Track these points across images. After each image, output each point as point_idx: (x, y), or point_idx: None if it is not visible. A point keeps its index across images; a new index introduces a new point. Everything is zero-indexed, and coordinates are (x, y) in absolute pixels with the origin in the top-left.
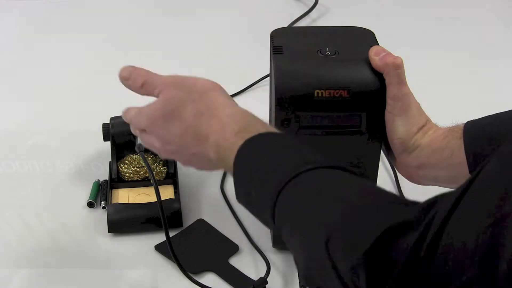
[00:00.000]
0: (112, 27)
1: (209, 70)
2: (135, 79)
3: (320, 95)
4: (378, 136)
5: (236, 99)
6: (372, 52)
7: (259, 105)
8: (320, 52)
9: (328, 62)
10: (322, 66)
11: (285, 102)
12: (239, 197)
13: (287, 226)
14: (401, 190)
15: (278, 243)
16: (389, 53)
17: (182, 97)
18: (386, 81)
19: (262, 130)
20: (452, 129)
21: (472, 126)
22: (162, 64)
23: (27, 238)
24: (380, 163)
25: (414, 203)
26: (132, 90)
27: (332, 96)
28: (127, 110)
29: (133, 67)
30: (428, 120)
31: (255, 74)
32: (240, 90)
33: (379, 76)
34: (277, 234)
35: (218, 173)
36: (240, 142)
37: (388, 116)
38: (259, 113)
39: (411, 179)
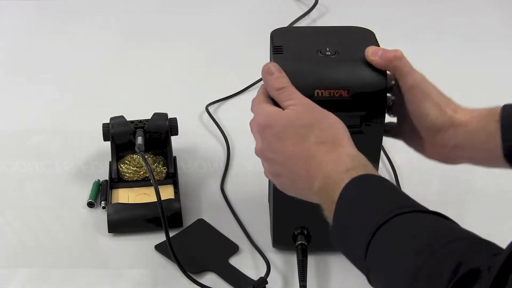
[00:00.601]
0: (112, 27)
1: (209, 70)
2: (277, 78)
3: (320, 95)
4: (378, 136)
5: (236, 99)
6: (369, 53)
7: None
8: (320, 52)
9: (328, 62)
10: (322, 66)
11: None
12: (334, 232)
13: (374, 270)
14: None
15: (278, 243)
16: (386, 50)
17: (314, 121)
18: (397, 75)
19: (370, 172)
20: (489, 111)
21: (510, 108)
22: (161, 64)
23: (27, 238)
24: (380, 163)
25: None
26: (267, 86)
27: (332, 96)
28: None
29: (281, 69)
30: (450, 98)
31: (255, 74)
32: (240, 90)
33: (379, 77)
34: (277, 233)
35: (218, 173)
36: (347, 179)
37: (411, 106)
38: None
39: (447, 160)
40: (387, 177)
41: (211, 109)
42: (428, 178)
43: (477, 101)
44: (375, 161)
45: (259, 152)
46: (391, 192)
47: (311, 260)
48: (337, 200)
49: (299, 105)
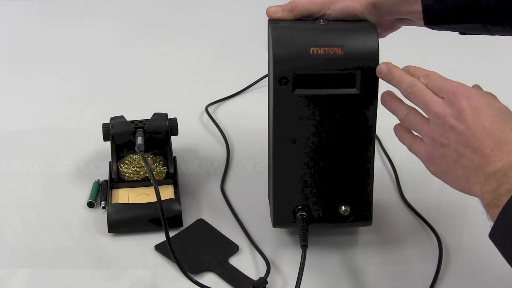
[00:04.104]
0: (112, 27)
1: (209, 70)
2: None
3: (315, 52)
4: (373, 97)
5: (235, 99)
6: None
7: (258, 105)
8: (315, 22)
9: (322, 26)
10: (317, 28)
11: (282, 60)
12: (499, 223)
13: None
14: (401, 190)
15: (279, 222)
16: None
17: (508, 110)
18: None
19: None
20: None
21: None
22: (161, 64)
23: (27, 238)
24: (381, 163)
25: None
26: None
27: (327, 54)
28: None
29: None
30: None
31: (255, 74)
32: (239, 90)
33: (371, 35)
34: (277, 213)
35: (218, 173)
36: None
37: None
38: (258, 113)
39: (393, 28)
40: (387, 176)
41: (210, 109)
42: (428, 178)
43: None
44: (371, 125)
45: (439, 115)
46: None
47: (311, 260)
48: None
49: (490, 94)
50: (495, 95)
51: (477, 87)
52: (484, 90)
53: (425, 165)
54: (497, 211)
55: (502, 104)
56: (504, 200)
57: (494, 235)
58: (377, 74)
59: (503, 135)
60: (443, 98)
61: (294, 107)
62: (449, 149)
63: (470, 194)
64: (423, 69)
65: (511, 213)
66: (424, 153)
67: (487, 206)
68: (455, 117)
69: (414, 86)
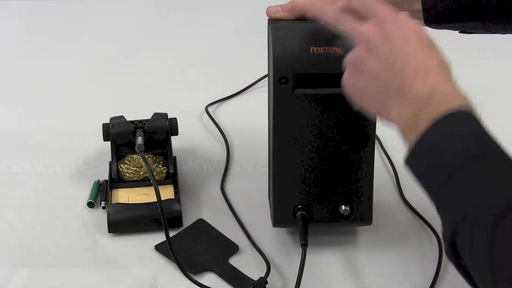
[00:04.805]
0: (112, 27)
1: (208, 70)
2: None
3: (315, 51)
4: None
5: (235, 99)
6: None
7: (258, 105)
8: (315, 22)
9: (323, 25)
10: (317, 28)
11: (282, 59)
12: (416, 147)
13: (449, 203)
14: (401, 190)
15: (279, 222)
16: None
17: (436, 44)
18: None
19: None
20: None
21: None
22: (160, 64)
23: (27, 238)
24: (380, 163)
25: None
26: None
27: (327, 53)
28: None
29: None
30: None
31: (254, 74)
32: (239, 90)
33: None
34: (277, 213)
35: (218, 173)
36: (457, 107)
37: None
38: (258, 113)
39: None
40: (387, 176)
41: (210, 109)
42: None
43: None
44: (371, 124)
45: (365, 36)
46: (491, 134)
47: (311, 260)
48: (439, 116)
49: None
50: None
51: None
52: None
53: (343, 78)
54: (414, 135)
55: (427, 35)
56: (423, 125)
57: (410, 160)
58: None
59: (426, 62)
60: (369, 20)
61: (294, 107)
62: (367, 70)
63: (382, 118)
64: None
65: (431, 138)
66: (353, 54)
67: (404, 132)
68: (384, 37)
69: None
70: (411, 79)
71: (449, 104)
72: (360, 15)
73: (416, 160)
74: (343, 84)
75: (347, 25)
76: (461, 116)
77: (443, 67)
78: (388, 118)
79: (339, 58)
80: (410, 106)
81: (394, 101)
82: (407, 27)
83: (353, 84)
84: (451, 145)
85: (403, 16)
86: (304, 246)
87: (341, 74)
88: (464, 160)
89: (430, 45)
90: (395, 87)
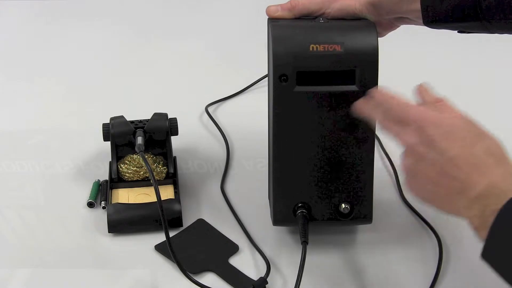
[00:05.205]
0: (112, 28)
1: (209, 70)
2: (430, 91)
3: (314, 49)
4: None
5: (235, 99)
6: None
7: (258, 105)
8: (314, 20)
9: (322, 24)
10: (316, 26)
11: (282, 57)
12: (489, 242)
13: None
14: (401, 190)
15: (279, 220)
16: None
17: (483, 132)
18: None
19: None
20: None
21: None
22: (161, 64)
23: (27, 238)
24: (380, 163)
25: None
26: (422, 97)
27: (326, 51)
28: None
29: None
30: None
31: (254, 74)
32: (240, 90)
33: (370, 33)
34: (277, 211)
35: (218, 173)
36: None
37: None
38: (258, 113)
39: (392, 27)
40: (387, 176)
41: (210, 109)
42: None
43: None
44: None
45: (409, 146)
46: None
47: (311, 259)
48: (501, 208)
49: (463, 116)
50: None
51: (443, 103)
52: (438, 97)
53: (405, 183)
54: (485, 233)
55: (462, 114)
56: (490, 220)
57: (485, 256)
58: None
59: (475, 159)
60: (409, 126)
61: (294, 104)
62: (423, 178)
63: (457, 216)
64: (381, 97)
65: (498, 232)
66: (406, 166)
67: (476, 230)
68: (428, 146)
69: (381, 122)
70: (467, 180)
71: (509, 193)
72: (401, 122)
73: (491, 254)
74: (408, 191)
75: (392, 131)
76: None
77: (495, 152)
78: (461, 216)
79: (339, 56)
80: (475, 206)
81: (460, 202)
82: (448, 124)
83: (416, 190)
84: None
85: (440, 115)
86: (304, 243)
87: (340, 72)
88: None
89: (474, 131)
90: (456, 191)
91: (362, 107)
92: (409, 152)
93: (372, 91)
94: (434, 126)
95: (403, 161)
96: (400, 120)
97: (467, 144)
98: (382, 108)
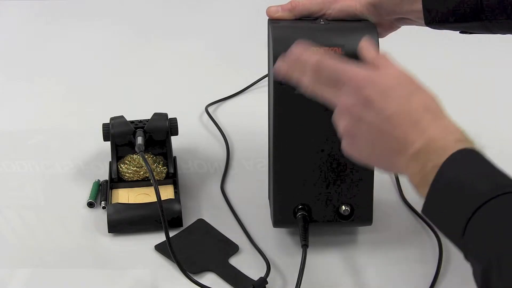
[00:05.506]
0: (112, 28)
1: (209, 70)
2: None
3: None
4: None
5: (235, 99)
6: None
7: (258, 105)
8: (314, 21)
9: (323, 25)
10: (317, 28)
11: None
12: (429, 199)
13: (472, 248)
14: (401, 190)
15: (279, 222)
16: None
17: (418, 86)
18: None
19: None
20: None
21: None
22: (161, 64)
23: (27, 238)
24: None
25: None
26: (364, 51)
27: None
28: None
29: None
30: None
31: (254, 74)
32: (239, 90)
33: (371, 36)
34: (277, 212)
35: (218, 173)
36: (457, 148)
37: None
38: (258, 113)
39: (392, 27)
40: (387, 176)
41: (210, 109)
42: None
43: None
44: None
45: (346, 107)
46: (501, 171)
47: (311, 260)
48: (441, 164)
49: (400, 72)
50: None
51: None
52: (377, 54)
53: (343, 145)
54: (426, 189)
55: (399, 71)
56: (431, 177)
57: (426, 211)
58: (276, 72)
59: (411, 116)
60: (343, 86)
61: (294, 106)
62: (362, 139)
63: (396, 174)
64: (308, 56)
65: (439, 188)
66: (343, 127)
67: (417, 187)
68: (365, 106)
69: (310, 85)
70: (405, 138)
71: (449, 149)
72: (334, 83)
73: (431, 209)
74: (345, 153)
75: (325, 95)
76: (462, 157)
77: (431, 107)
78: (401, 174)
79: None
80: (414, 163)
81: (399, 161)
82: (384, 82)
83: (355, 152)
84: (461, 189)
85: (381, 64)
86: (305, 246)
87: None
88: (478, 202)
89: (410, 88)
90: (395, 150)
91: (284, 69)
92: (346, 113)
93: (293, 48)
94: (370, 86)
95: (339, 123)
96: (333, 81)
97: (403, 102)
98: (309, 69)
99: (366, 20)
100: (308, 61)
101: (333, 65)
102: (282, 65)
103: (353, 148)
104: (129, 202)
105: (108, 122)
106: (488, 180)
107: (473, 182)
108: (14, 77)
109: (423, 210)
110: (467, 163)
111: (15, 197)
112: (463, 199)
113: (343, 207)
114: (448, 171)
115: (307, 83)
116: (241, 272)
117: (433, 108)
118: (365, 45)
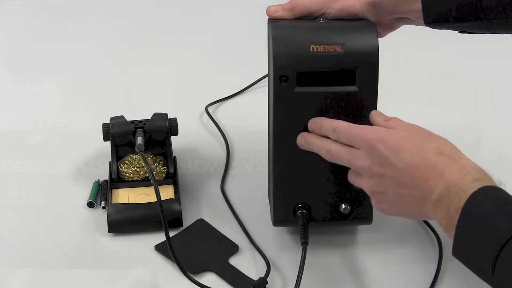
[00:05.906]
0: (112, 28)
1: (209, 70)
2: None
3: (315, 50)
4: (373, 93)
5: (235, 99)
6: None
7: (258, 105)
8: (315, 20)
9: (323, 24)
10: (317, 27)
11: (282, 57)
12: (457, 240)
13: (504, 285)
14: None
15: (279, 221)
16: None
17: (428, 135)
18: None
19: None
20: None
21: None
22: (161, 64)
23: (27, 238)
24: None
25: None
26: (373, 119)
27: (327, 51)
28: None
29: None
30: None
31: (254, 74)
32: (239, 90)
33: (370, 33)
34: (277, 211)
35: (218, 173)
36: (475, 188)
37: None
38: (258, 113)
39: (392, 27)
40: None
41: (210, 109)
42: None
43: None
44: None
45: (365, 169)
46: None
47: (311, 259)
48: (463, 206)
49: (410, 126)
50: (398, 117)
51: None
52: (388, 117)
53: (373, 204)
54: (453, 232)
55: (410, 125)
56: (456, 219)
57: (456, 253)
58: (300, 147)
59: (427, 162)
60: (359, 149)
61: (294, 105)
62: (389, 195)
63: (429, 220)
64: (329, 121)
65: (465, 229)
66: (368, 188)
67: (446, 230)
68: (381, 164)
69: (330, 150)
70: (425, 186)
71: (468, 189)
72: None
73: (460, 251)
74: (378, 210)
75: (344, 160)
76: (482, 196)
77: (445, 150)
78: (432, 220)
79: (339, 56)
80: (439, 208)
81: (426, 208)
82: (394, 137)
83: (385, 207)
84: (484, 229)
85: (383, 130)
86: (305, 244)
87: (341, 73)
88: (502, 240)
89: (420, 137)
90: (419, 198)
91: (312, 143)
92: (367, 175)
93: (315, 120)
94: (381, 143)
95: (367, 183)
96: (348, 143)
97: (416, 151)
98: (333, 137)
99: (366, 19)
100: (327, 130)
101: (346, 127)
102: (313, 139)
103: (383, 204)
104: (129, 202)
105: (108, 122)
106: (509, 217)
107: (494, 221)
108: (14, 77)
109: (453, 253)
110: (487, 202)
111: (15, 197)
112: (487, 239)
113: (343, 206)
114: (470, 212)
115: (325, 151)
116: (241, 272)
117: (447, 151)
118: (374, 113)
